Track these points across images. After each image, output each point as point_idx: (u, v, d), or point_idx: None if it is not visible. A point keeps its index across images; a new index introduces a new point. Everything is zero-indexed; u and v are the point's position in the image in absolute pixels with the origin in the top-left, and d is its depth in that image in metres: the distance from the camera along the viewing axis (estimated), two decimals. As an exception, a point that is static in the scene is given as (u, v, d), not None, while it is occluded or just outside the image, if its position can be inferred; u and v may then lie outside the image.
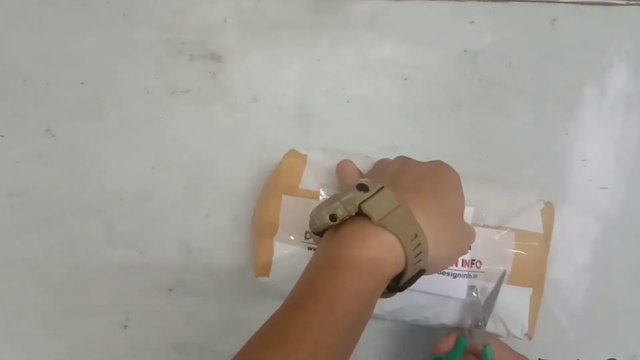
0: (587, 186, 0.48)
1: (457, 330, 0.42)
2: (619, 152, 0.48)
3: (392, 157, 0.47)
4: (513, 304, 0.42)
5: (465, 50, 0.47)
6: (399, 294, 0.35)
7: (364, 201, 0.32)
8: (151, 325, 0.48)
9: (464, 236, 0.38)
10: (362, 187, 0.33)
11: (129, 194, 0.47)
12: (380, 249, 0.31)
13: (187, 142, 0.47)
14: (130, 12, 0.46)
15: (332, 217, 0.32)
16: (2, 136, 0.47)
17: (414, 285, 0.35)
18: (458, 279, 0.41)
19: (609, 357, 0.46)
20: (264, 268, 0.42)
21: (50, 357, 0.48)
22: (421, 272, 0.33)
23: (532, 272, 0.42)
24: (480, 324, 0.41)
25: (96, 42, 0.46)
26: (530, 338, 0.42)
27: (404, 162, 0.39)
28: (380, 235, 0.31)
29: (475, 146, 0.48)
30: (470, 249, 0.41)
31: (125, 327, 0.48)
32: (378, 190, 0.33)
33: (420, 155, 0.48)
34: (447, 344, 0.41)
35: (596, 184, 0.48)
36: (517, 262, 0.41)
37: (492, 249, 0.41)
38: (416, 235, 0.32)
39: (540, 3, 0.47)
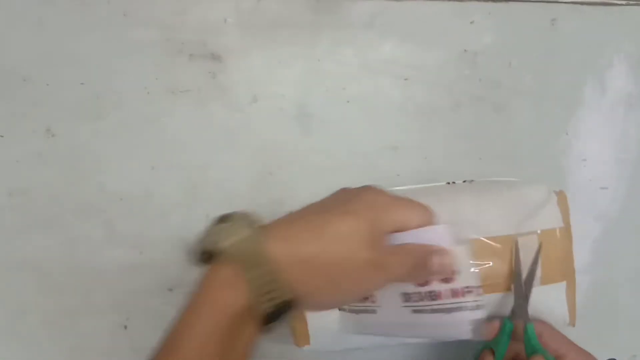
0: (587, 186, 0.48)
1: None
2: (619, 152, 0.48)
3: (391, 158, 0.48)
4: (551, 302, 0.42)
5: (465, 50, 0.47)
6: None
7: (212, 233, 0.31)
8: (151, 325, 0.48)
9: (359, 265, 0.32)
10: (222, 219, 0.31)
11: (129, 194, 0.47)
12: (219, 282, 0.30)
13: (187, 142, 0.47)
14: (130, 12, 0.46)
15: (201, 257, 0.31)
16: (2, 136, 0.47)
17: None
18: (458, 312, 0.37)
19: (609, 357, 0.46)
20: (303, 337, 0.42)
21: (50, 357, 0.48)
22: (288, 306, 0.30)
23: (561, 267, 0.42)
24: (522, 302, 0.41)
25: (96, 42, 0.46)
26: (573, 325, 0.43)
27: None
28: (223, 268, 0.30)
29: (475, 146, 0.48)
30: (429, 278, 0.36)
31: (125, 327, 0.48)
32: (233, 221, 0.31)
33: (420, 155, 0.48)
34: (491, 330, 0.40)
35: (596, 184, 0.48)
36: (545, 262, 0.41)
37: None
38: (262, 264, 0.29)
39: (540, 3, 0.47)
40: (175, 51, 0.46)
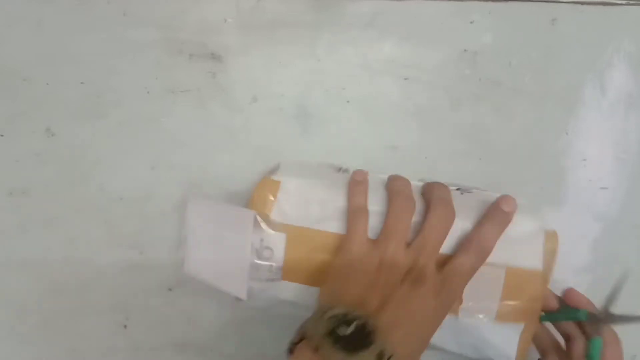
0: (587, 186, 0.48)
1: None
2: (619, 152, 0.48)
3: (391, 158, 0.47)
4: (500, 341, 0.39)
5: (465, 50, 0.47)
6: None
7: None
8: (151, 325, 0.48)
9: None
10: (363, 345, 0.32)
11: (129, 194, 0.47)
12: None
13: (187, 142, 0.47)
14: (130, 12, 0.46)
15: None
16: (2, 136, 0.47)
17: None
18: None
19: (609, 357, 0.46)
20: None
21: (50, 357, 0.48)
22: None
23: (524, 308, 0.39)
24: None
25: (96, 42, 0.46)
26: None
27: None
28: None
29: (475, 146, 0.48)
30: None
31: (125, 327, 0.48)
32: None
33: (420, 155, 0.48)
34: None
35: (596, 184, 0.48)
36: (505, 299, 0.39)
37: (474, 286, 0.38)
38: None
39: (540, 3, 0.47)
40: (175, 51, 0.46)
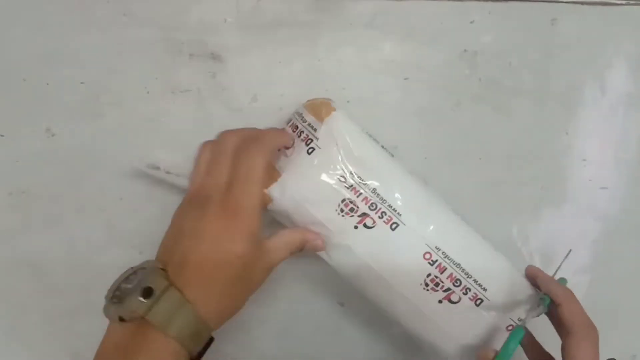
0: (587, 186, 0.48)
1: None
2: (619, 152, 0.48)
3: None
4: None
5: (465, 50, 0.47)
6: None
7: (150, 310, 0.32)
8: (151, 325, 0.48)
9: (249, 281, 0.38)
10: (148, 293, 0.32)
11: (129, 194, 0.47)
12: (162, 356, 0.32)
13: (187, 142, 0.47)
14: (130, 12, 0.46)
15: (120, 318, 0.32)
16: (2, 136, 0.47)
17: None
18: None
19: (609, 357, 0.46)
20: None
21: (50, 357, 0.48)
22: (210, 341, 0.35)
23: None
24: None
25: (96, 42, 0.46)
26: None
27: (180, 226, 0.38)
28: (165, 344, 0.32)
29: (475, 146, 0.48)
30: None
31: (125, 327, 0.48)
32: (163, 293, 0.32)
33: (420, 155, 0.48)
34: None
35: (596, 184, 0.48)
36: None
37: None
38: (202, 333, 0.33)
39: (540, 3, 0.47)
40: (175, 51, 0.46)
